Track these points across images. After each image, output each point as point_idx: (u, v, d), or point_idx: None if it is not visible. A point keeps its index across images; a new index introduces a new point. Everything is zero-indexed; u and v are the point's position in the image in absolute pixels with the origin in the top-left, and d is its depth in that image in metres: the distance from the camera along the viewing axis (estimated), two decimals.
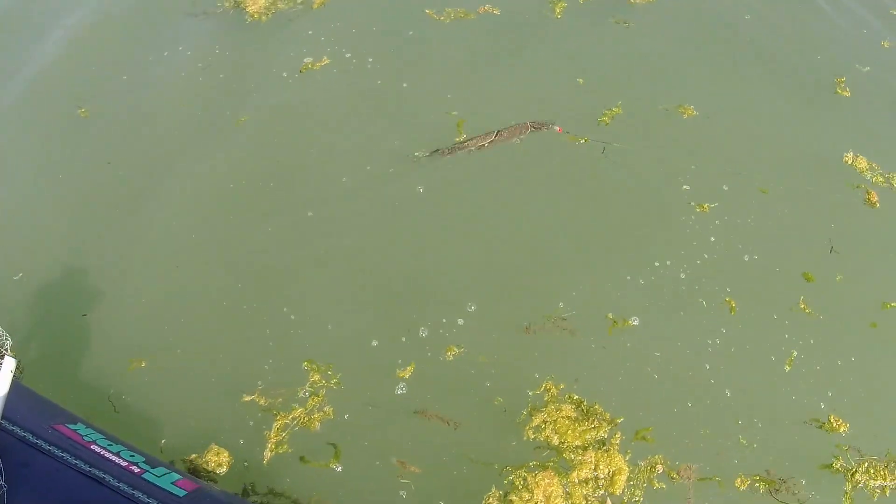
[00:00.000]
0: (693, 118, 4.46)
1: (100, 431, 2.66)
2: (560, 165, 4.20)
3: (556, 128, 4.29)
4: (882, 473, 3.24)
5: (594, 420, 3.13)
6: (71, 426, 2.56)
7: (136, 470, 2.45)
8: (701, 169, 4.22)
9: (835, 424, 3.36)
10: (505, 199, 4.05)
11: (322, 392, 3.29)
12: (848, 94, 4.79)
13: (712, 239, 3.91)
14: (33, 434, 2.37)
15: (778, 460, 3.25)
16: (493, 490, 2.99)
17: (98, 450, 2.47)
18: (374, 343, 3.49)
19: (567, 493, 2.98)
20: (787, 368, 3.52)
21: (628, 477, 3.06)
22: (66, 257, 3.87)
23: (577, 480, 3.00)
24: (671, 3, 5.24)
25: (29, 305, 3.66)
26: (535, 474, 2.98)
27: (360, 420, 3.24)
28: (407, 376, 3.34)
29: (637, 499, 3.06)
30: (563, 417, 3.11)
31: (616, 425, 3.20)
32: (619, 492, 3.02)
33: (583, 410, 3.18)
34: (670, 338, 3.55)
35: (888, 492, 3.20)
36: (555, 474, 2.99)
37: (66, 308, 3.67)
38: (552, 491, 2.93)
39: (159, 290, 3.72)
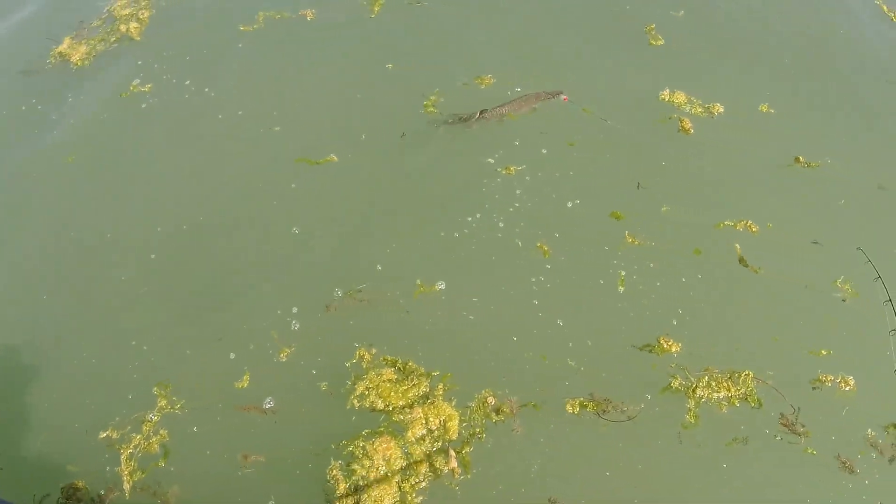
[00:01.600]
0: (491, 87, 4.57)
1: None
2: (363, 154, 4.34)
3: (563, 97, 4.47)
4: (725, 385, 3.26)
5: (413, 377, 3.23)
6: None
7: None
8: (506, 134, 4.35)
9: (665, 346, 3.43)
10: (331, 198, 4.18)
11: (157, 417, 3.35)
12: (661, 42, 4.98)
13: (518, 192, 4.06)
14: None
15: (613, 382, 3.30)
16: (333, 462, 3.06)
17: None
18: (232, 355, 3.56)
19: (407, 454, 3.06)
20: (622, 289, 3.62)
21: (461, 420, 3.15)
22: None
23: (413, 439, 3.09)
24: None
25: None
26: (372, 441, 3.07)
27: (207, 428, 3.32)
28: (245, 386, 3.41)
29: (480, 436, 3.14)
30: (384, 381, 3.21)
31: (432, 378, 3.29)
32: (456, 436, 3.11)
33: (400, 369, 3.28)
34: (490, 283, 3.65)
35: (737, 402, 3.23)
36: (391, 437, 3.08)
37: None
38: (391, 453, 3.02)
39: (16, 342, 3.78)
